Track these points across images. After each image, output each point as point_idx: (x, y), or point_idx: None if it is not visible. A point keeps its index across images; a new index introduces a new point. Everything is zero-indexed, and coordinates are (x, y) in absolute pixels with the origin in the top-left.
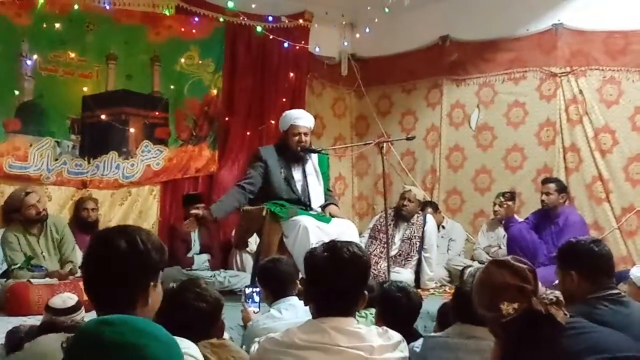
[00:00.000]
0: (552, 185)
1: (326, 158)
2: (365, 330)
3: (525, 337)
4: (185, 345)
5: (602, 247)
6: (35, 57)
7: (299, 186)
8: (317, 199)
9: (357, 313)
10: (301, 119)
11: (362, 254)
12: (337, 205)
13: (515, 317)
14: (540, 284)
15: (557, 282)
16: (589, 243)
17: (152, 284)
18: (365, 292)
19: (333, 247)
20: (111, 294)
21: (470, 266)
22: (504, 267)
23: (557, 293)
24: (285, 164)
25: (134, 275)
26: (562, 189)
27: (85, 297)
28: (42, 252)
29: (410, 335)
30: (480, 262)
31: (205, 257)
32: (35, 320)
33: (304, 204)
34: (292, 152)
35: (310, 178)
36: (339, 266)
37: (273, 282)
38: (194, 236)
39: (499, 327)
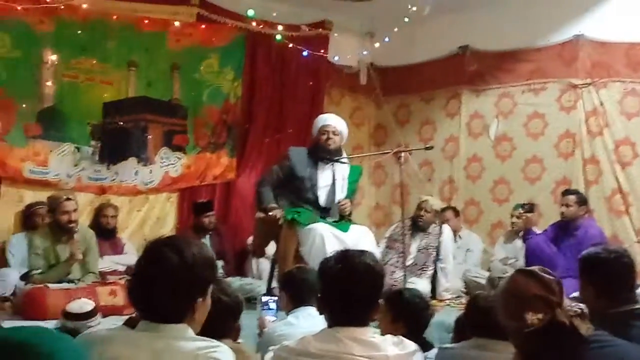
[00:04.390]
0: (572, 197)
1: (359, 169)
2: (380, 339)
3: (548, 349)
4: (220, 349)
5: (622, 258)
6: (56, 63)
7: (324, 191)
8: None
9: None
10: (329, 119)
11: (375, 263)
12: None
13: (539, 328)
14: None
15: (574, 294)
16: (608, 254)
17: (200, 299)
18: (380, 301)
19: (346, 257)
20: (160, 307)
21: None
22: (531, 277)
23: (582, 306)
24: (313, 167)
25: (183, 290)
26: (583, 201)
27: (102, 303)
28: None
29: (420, 344)
30: (496, 273)
31: (218, 264)
32: (52, 325)
33: (324, 209)
34: (322, 155)
35: (337, 185)
36: (352, 276)
37: (294, 289)
38: (206, 243)
39: (522, 337)
